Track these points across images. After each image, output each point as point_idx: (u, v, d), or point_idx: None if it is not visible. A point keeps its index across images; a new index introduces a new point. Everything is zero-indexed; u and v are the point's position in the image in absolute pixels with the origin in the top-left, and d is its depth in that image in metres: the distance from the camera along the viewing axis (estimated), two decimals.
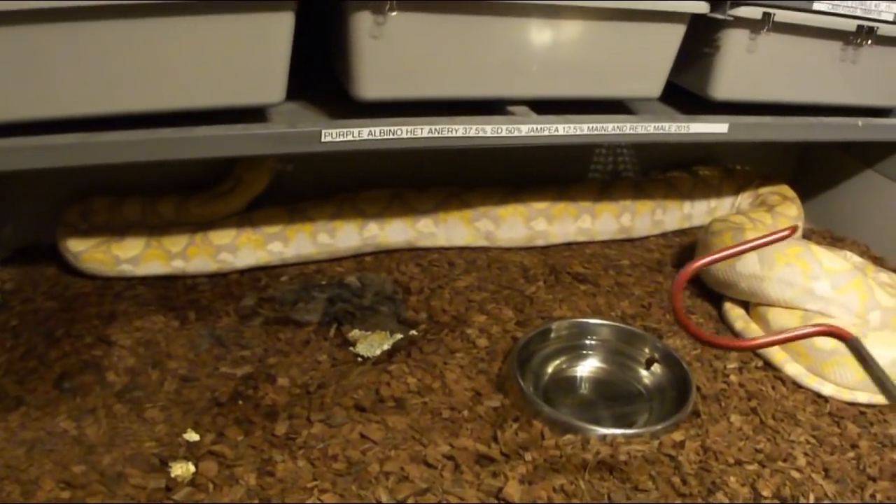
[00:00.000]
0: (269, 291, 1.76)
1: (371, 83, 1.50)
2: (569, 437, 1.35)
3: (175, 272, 1.77)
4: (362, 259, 1.90)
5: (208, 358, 1.54)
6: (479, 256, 1.93)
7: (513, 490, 1.23)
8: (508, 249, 1.98)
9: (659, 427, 1.38)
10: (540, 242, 1.99)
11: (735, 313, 1.73)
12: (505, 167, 2.10)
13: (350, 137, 1.50)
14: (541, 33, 1.54)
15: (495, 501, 1.23)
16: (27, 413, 1.38)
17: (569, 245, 2.02)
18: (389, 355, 1.55)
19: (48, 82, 1.33)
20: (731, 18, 1.60)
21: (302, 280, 1.81)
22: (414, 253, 1.93)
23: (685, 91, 1.78)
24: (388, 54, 1.47)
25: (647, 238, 2.11)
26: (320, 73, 1.67)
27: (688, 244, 2.07)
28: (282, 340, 1.59)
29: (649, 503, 1.25)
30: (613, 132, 1.66)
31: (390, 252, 1.93)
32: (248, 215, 1.82)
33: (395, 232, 1.90)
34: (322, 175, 1.97)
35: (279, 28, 1.39)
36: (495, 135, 1.57)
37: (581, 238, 2.02)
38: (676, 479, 1.29)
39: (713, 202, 2.18)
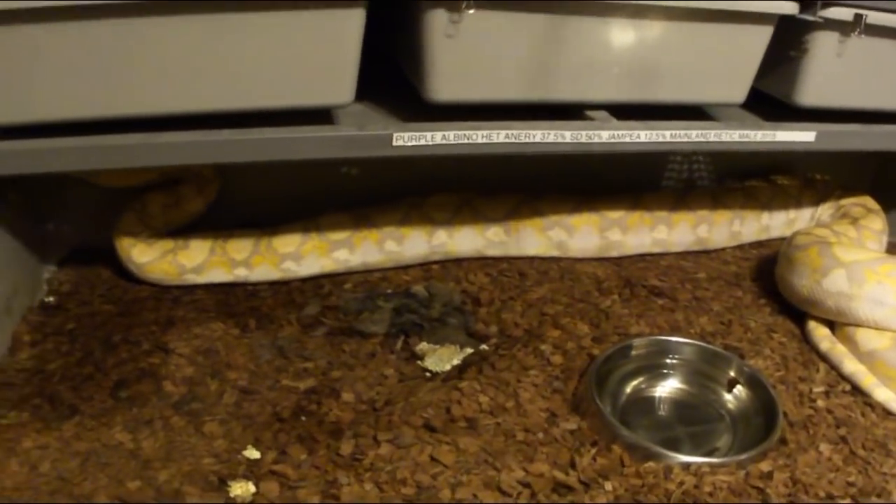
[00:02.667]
0: (332, 299, 1.71)
1: (444, 84, 1.44)
2: (650, 464, 1.28)
3: (237, 280, 1.74)
4: (429, 267, 1.86)
5: (269, 369, 1.50)
6: (550, 267, 1.87)
7: None
8: (580, 260, 1.92)
9: (745, 456, 1.31)
10: (613, 253, 1.93)
11: (820, 333, 1.65)
12: (576, 174, 2.04)
13: (422, 142, 1.44)
14: (623, 34, 1.47)
15: None
16: (82, 423, 1.35)
17: (642, 256, 1.96)
18: (460, 371, 1.49)
19: (113, 80, 1.29)
20: (821, 20, 1.52)
21: (366, 288, 1.76)
22: (483, 262, 1.88)
23: (761, 96, 1.70)
24: (462, 54, 1.41)
25: (723, 250, 2.04)
26: (385, 73, 1.62)
27: (766, 256, 2.00)
28: (346, 352, 1.55)
29: None
30: (698, 139, 1.59)
31: (458, 261, 1.88)
32: (315, 221, 1.78)
33: (464, 240, 1.85)
34: (386, 178, 1.92)
35: (350, 25, 1.33)
36: (574, 141, 1.50)
37: (656, 249, 1.96)
38: None
39: (792, 213, 2.10)
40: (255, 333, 1.59)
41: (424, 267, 1.85)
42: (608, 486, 1.24)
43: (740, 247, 2.06)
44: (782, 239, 1.95)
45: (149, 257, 1.68)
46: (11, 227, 1.60)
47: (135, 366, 1.48)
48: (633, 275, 1.86)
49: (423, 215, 1.81)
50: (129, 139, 1.33)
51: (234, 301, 1.70)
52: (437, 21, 1.36)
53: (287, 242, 1.73)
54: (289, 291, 1.74)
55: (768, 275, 1.86)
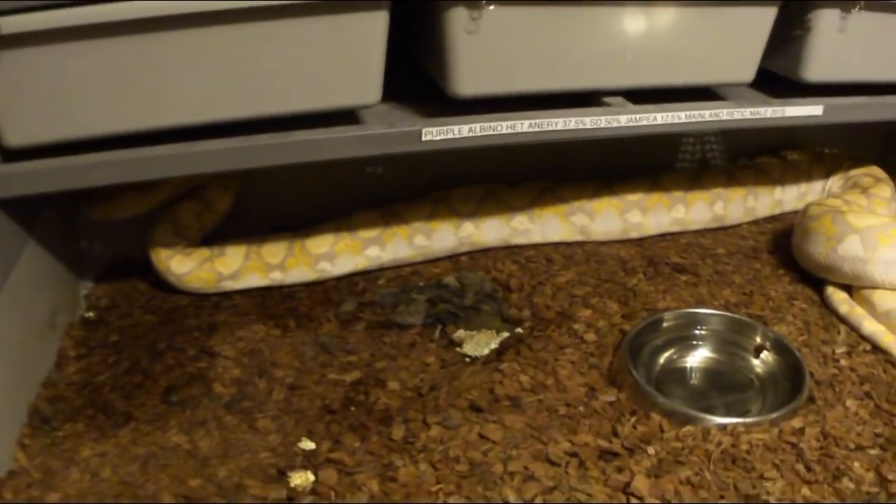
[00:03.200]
0: (367, 296, 1.75)
1: (467, 79, 1.48)
2: (688, 428, 1.33)
3: (273, 284, 1.77)
4: (458, 259, 1.89)
5: (314, 365, 1.53)
6: (575, 251, 1.91)
7: (641, 484, 1.21)
8: (604, 243, 1.95)
9: (778, 414, 1.36)
10: (634, 235, 1.97)
11: (838, 297, 1.69)
12: (593, 159, 2.07)
13: (450, 135, 1.49)
14: (636, 21, 1.52)
15: (624, 497, 1.21)
16: (137, 428, 1.38)
17: (662, 236, 2.00)
18: (498, 354, 1.53)
19: (152, 93, 1.34)
20: None
21: (399, 283, 1.80)
22: (509, 250, 1.91)
23: (767, 75, 1.74)
24: (484, 49, 1.45)
25: (739, 225, 2.08)
26: (405, 71, 1.65)
27: (781, 230, 2.03)
28: (387, 344, 1.58)
29: (776, 491, 1.22)
30: (711, 119, 1.63)
31: (485, 251, 1.91)
32: (346, 221, 1.81)
33: (490, 230, 1.89)
34: (412, 174, 1.97)
35: (375, 27, 1.38)
36: (594, 126, 1.55)
37: (675, 228, 2.00)
38: (800, 467, 1.27)
39: (803, 186, 2.14)
40: (297, 332, 1.62)
41: (453, 259, 1.89)
42: (650, 450, 1.28)
43: (755, 222, 2.10)
44: (795, 213, 1.99)
45: (187, 267, 1.71)
46: (49, 245, 1.62)
47: (182, 371, 1.51)
48: (655, 254, 1.90)
49: (450, 208, 1.85)
50: (168, 150, 1.37)
51: (271, 303, 1.73)
52: (457, 18, 1.41)
53: (320, 243, 1.77)
54: (324, 291, 1.77)
55: (784, 247, 1.91)
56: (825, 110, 1.71)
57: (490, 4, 1.40)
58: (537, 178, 1.96)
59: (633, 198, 1.94)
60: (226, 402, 1.44)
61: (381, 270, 1.84)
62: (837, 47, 1.67)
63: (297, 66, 1.38)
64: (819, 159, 2.17)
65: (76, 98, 1.31)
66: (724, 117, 1.64)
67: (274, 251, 1.76)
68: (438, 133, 1.47)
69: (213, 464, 1.29)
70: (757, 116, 1.66)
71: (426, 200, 1.86)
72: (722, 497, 1.21)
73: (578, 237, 1.94)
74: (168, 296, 1.76)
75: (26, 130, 1.32)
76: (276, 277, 1.76)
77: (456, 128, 1.48)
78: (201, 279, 1.72)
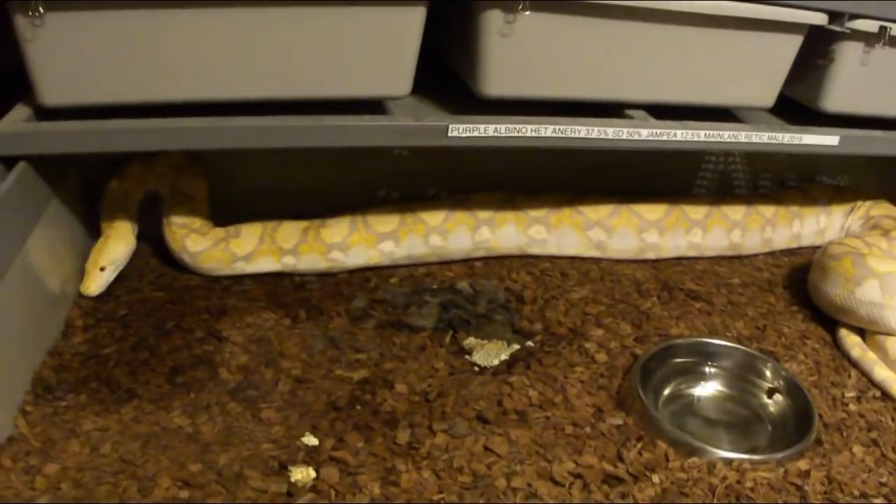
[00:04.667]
0: (379, 293, 1.74)
1: (496, 80, 1.51)
2: (694, 459, 1.32)
3: (285, 269, 1.76)
4: (472, 264, 1.88)
5: (322, 359, 1.52)
6: (591, 268, 1.91)
7: None
8: (619, 262, 1.95)
9: (784, 454, 1.35)
10: (650, 255, 1.96)
11: (851, 340, 1.69)
12: (615, 176, 2.08)
13: (476, 133, 1.52)
14: (664, 39, 1.54)
15: None
16: (140, 406, 1.37)
17: (678, 260, 1.99)
18: (508, 366, 1.53)
19: (180, 66, 1.37)
20: (848, 31, 1.59)
21: (412, 283, 1.79)
22: (525, 261, 1.91)
23: (785, 102, 1.77)
24: (515, 53, 1.47)
25: (755, 256, 2.07)
26: (428, 66, 1.65)
27: (798, 265, 2.03)
28: (397, 345, 1.58)
29: None
30: (729, 140, 1.67)
31: (501, 258, 1.91)
32: (362, 213, 1.81)
33: (506, 237, 1.88)
34: (434, 174, 1.99)
35: (412, 22, 1.40)
36: (616, 137, 1.59)
37: (691, 253, 1.99)
38: None
39: (823, 222, 2.14)
40: (306, 324, 1.62)
41: (468, 263, 1.88)
42: (655, 478, 1.28)
43: (772, 254, 2.10)
44: (813, 248, 2.00)
45: (202, 246, 1.71)
46: (67, 210, 1.64)
47: (189, 352, 1.50)
48: (670, 278, 1.90)
49: (468, 211, 1.84)
50: (202, 122, 1.41)
51: (282, 292, 1.72)
52: (492, 20, 1.43)
53: (335, 233, 1.76)
54: (336, 284, 1.77)
55: (799, 282, 1.90)
56: (841, 141, 1.75)
57: (526, 10, 1.41)
58: (559, 189, 1.96)
59: (652, 217, 1.93)
60: (231, 388, 1.43)
61: (394, 268, 1.83)
62: (858, 80, 1.69)
63: (335, 51, 1.40)
64: (839, 195, 2.17)
65: (114, 64, 1.34)
66: (742, 139, 1.68)
67: (288, 236, 1.75)
68: (465, 130, 1.51)
69: (214, 450, 1.29)
70: (774, 141, 1.70)
71: (445, 201, 1.86)
72: None
73: (594, 252, 1.93)
74: (179, 274, 1.75)
75: (62, 92, 1.35)
76: (289, 263, 1.75)
77: (482, 126, 1.51)
78: (215, 258, 1.71)
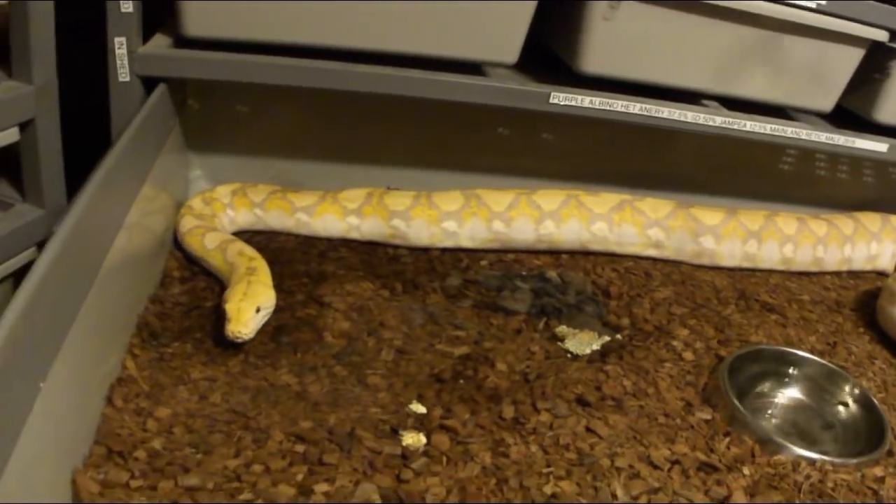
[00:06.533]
0: (471, 274, 1.79)
1: (595, 60, 1.68)
2: (778, 457, 1.37)
3: (350, 228, 1.84)
4: (559, 256, 1.93)
5: (423, 333, 1.56)
6: (672, 271, 1.95)
7: (739, 500, 1.26)
8: (699, 268, 2.00)
9: (862, 459, 1.41)
10: (706, 260, 2.01)
11: None
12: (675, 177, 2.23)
13: (573, 103, 1.67)
14: (744, 38, 1.70)
15: None
16: (247, 360, 1.41)
17: (753, 272, 2.05)
18: (601, 356, 1.57)
19: (314, 13, 1.54)
20: None
21: (502, 267, 1.84)
22: (609, 258, 1.95)
23: (841, 111, 1.93)
24: (614, 36, 1.64)
25: (823, 275, 2.13)
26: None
27: (864, 289, 2.08)
28: (494, 326, 1.62)
29: None
30: (791, 135, 1.84)
31: (586, 254, 1.96)
32: (427, 192, 1.86)
33: (570, 231, 1.91)
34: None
35: None
36: (694, 121, 1.76)
37: (745, 264, 2.04)
38: None
39: (874, 249, 2.18)
40: (404, 298, 1.66)
41: (554, 255, 1.93)
42: (745, 470, 1.33)
43: (838, 275, 2.15)
44: (864, 272, 2.12)
45: (263, 195, 1.82)
46: (180, 152, 1.74)
47: (292, 314, 1.55)
48: (746, 288, 1.94)
49: (531, 203, 1.88)
50: (331, 65, 1.58)
51: (377, 262, 1.77)
52: (597, 4, 1.60)
53: (398, 202, 1.83)
54: (429, 260, 1.82)
55: (865, 305, 1.96)
56: (889, 149, 1.92)
57: None
58: (620, 187, 2.08)
59: (711, 223, 1.98)
60: (336, 352, 1.47)
61: (473, 252, 1.90)
62: None
63: (462, 16, 1.56)
64: (889, 223, 2.21)
65: (254, 4, 1.50)
66: (803, 136, 1.86)
67: (352, 197, 1.83)
68: (564, 99, 1.66)
69: (323, 409, 1.32)
70: (830, 142, 1.88)
71: (509, 192, 1.89)
72: None
73: (652, 252, 1.98)
74: (275, 234, 1.81)
75: (205, 25, 1.52)
76: (353, 222, 1.82)
77: (580, 97, 1.67)
78: (278, 206, 1.82)
